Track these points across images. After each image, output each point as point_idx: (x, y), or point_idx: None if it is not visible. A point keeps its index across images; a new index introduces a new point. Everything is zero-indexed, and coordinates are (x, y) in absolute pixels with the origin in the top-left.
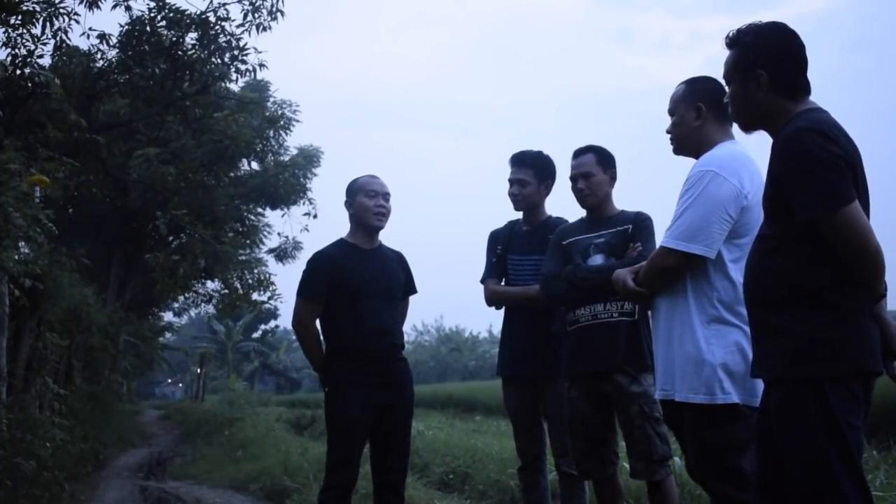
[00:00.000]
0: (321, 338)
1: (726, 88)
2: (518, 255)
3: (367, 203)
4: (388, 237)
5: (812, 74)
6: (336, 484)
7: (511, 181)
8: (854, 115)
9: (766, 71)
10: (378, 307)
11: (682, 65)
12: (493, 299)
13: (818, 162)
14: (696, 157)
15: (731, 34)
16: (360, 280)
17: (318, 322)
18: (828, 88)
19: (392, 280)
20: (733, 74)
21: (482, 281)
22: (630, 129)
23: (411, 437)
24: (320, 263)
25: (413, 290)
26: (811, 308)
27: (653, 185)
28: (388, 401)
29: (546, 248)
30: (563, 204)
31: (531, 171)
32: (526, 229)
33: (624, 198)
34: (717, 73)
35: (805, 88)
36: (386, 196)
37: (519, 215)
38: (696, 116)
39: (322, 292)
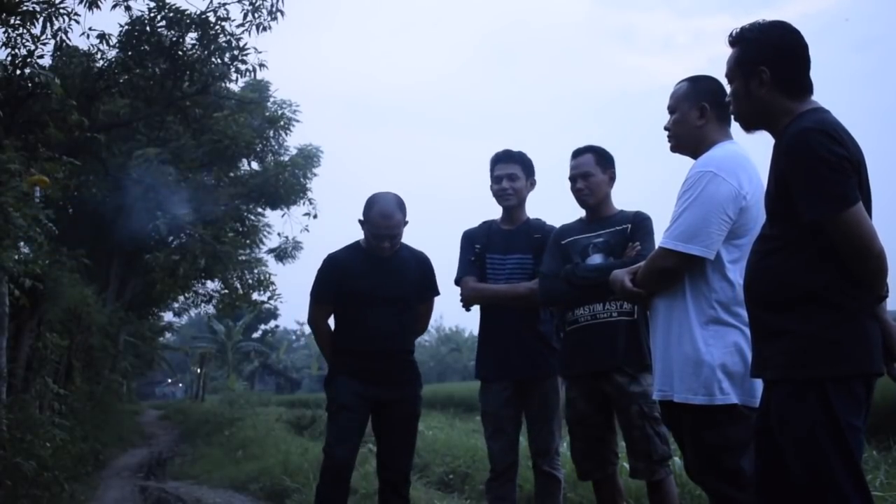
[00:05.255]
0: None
1: (728, 88)
2: (498, 253)
3: (372, 242)
4: None
5: (816, 74)
6: (330, 464)
7: (501, 176)
8: (857, 116)
9: (768, 68)
10: (381, 313)
11: (684, 65)
12: (474, 297)
13: (823, 163)
14: (694, 156)
15: (734, 32)
16: (365, 286)
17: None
18: (832, 88)
19: (402, 287)
20: (736, 71)
21: (458, 279)
22: (631, 129)
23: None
24: (329, 267)
25: (433, 293)
26: (814, 308)
27: (653, 186)
28: (388, 399)
29: (528, 247)
30: (560, 204)
31: (519, 167)
32: (507, 228)
33: (625, 198)
34: (720, 74)
35: (808, 88)
36: (393, 238)
37: (495, 215)
38: (699, 116)
39: (328, 294)
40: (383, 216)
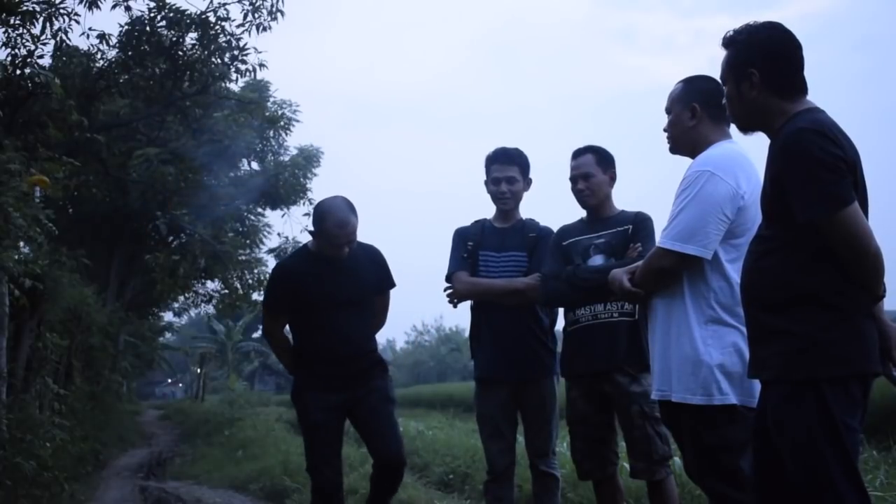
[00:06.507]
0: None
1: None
2: (492, 251)
3: (329, 251)
4: (385, 239)
5: (816, 74)
6: (319, 487)
7: (499, 179)
8: (857, 116)
9: (758, 69)
10: (340, 317)
11: (685, 65)
12: (467, 291)
13: (818, 163)
14: (692, 156)
15: (726, 35)
16: (321, 292)
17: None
18: (832, 88)
19: (358, 287)
20: (728, 74)
21: (450, 274)
22: (631, 129)
23: (401, 428)
24: (282, 277)
25: (389, 285)
26: (810, 309)
27: (655, 186)
28: (357, 396)
29: (523, 245)
30: (559, 204)
31: (517, 169)
32: (500, 227)
33: (625, 198)
34: (719, 74)
35: (801, 88)
36: (351, 243)
37: (488, 214)
38: (691, 116)
39: (283, 306)
40: (340, 225)
